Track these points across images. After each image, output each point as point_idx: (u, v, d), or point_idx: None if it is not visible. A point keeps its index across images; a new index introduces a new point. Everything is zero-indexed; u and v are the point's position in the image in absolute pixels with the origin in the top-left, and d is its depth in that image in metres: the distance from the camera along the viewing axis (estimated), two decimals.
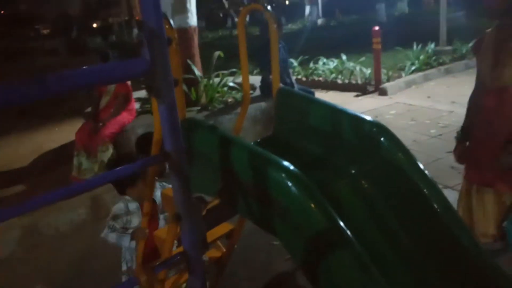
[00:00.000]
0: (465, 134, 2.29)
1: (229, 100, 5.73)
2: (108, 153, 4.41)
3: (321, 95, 7.31)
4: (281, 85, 1.74)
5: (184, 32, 5.62)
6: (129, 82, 4.65)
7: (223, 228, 2.08)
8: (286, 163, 1.15)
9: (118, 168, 1.08)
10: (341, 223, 1.08)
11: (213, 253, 2.39)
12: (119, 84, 4.53)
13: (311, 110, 1.55)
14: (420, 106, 5.75)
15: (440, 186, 3.62)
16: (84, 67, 0.91)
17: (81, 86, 0.92)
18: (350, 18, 19.94)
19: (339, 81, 7.46)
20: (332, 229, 1.07)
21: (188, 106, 5.56)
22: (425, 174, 1.33)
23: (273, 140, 1.69)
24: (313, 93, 5.35)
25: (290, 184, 1.11)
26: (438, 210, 1.29)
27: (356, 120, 1.42)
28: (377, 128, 1.38)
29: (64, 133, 6.26)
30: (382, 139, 1.36)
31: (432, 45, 7.90)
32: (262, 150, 1.21)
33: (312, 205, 1.08)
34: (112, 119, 4.46)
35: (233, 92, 5.92)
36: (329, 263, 1.05)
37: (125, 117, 4.57)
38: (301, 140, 1.59)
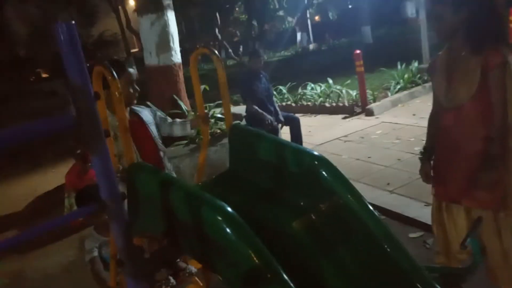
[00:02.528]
0: (429, 153, 2.34)
1: (218, 131, 5.82)
2: None
3: (310, 119, 7.41)
4: (234, 114, 1.80)
5: (169, 69, 5.79)
6: None
7: (195, 263, 2.10)
8: (221, 203, 1.20)
9: (60, 216, 1.15)
10: (274, 260, 1.11)
11: None
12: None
13: (260, 145, 1.61)
14: (405, 124, 5.81)
15: (423, 204, 3.61)
16: (12, 127, 0.98)
17: (8, 145, 0.98)
18: (339, 41, 20.31)
19: (327, 105, 7.56)
20: (265, 266, 1.11)
21: (176, 140, 5.65)
22: (364, 204, 1.37)
23: (228, 176, 1.74)
24: (297, 119, 5.44)
25: (224, 224, 1.15)
26: (379, 237, 1.32)
27: (298, 153, 1.48)
28: (318, 161, 1.43)
29: (59, 174, 6.32)
30: (322, 171, 1.41)
31: (416, 63, 8.04)
32: (199, 190, 1.26)
33: (245, 244, 1.12)
34: None
35: (220, 123, 6.01)
36: None
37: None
38: (253, 174, 1.64)
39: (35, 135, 0.97)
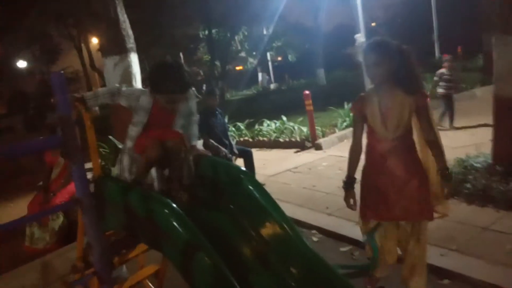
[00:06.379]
0: (352, 182, 2.60)
1: None
2: (58, 221, 4.69)
3: (266, 153, 7.95)
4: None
5: None
6: None
7: (150, 269, 2.48)
8: (167, 200, 1.64)
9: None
10: (202, 237, 1.55)
11: None
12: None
13: (201, 163, 2.07)
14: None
15: (353, 224, 4.11)
16: (14, 143, 1.40)
17: (7, 157, 1.40)
18: (298, 82, 21.39)
19: (281, 140, 8.16)
20: (195, 241, 1.54)
21: None
22: (278, 207, 1.83)
23: None
24: (250, 152, 5.93)
25: (169, 216, 1.59)
26: (290, 233, 1.79)
27: (228, 167, 1.95)
28: (243, 174, 1.91)
29: (18, 208, 6.43)
30: (246, 182, 1.88)
31: None
32: (153, 193, 1.70)
33: (182, 229, 1.56)
34: (62, 189, 4.80)
35: None
36: (194, 264, 1.52)
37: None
38: (198, 187, 2.09)
39: (31, 150, 1.40)
